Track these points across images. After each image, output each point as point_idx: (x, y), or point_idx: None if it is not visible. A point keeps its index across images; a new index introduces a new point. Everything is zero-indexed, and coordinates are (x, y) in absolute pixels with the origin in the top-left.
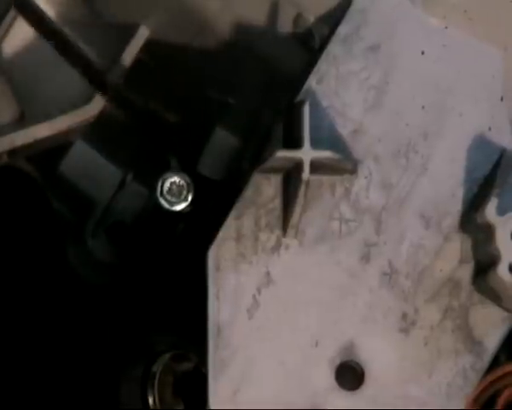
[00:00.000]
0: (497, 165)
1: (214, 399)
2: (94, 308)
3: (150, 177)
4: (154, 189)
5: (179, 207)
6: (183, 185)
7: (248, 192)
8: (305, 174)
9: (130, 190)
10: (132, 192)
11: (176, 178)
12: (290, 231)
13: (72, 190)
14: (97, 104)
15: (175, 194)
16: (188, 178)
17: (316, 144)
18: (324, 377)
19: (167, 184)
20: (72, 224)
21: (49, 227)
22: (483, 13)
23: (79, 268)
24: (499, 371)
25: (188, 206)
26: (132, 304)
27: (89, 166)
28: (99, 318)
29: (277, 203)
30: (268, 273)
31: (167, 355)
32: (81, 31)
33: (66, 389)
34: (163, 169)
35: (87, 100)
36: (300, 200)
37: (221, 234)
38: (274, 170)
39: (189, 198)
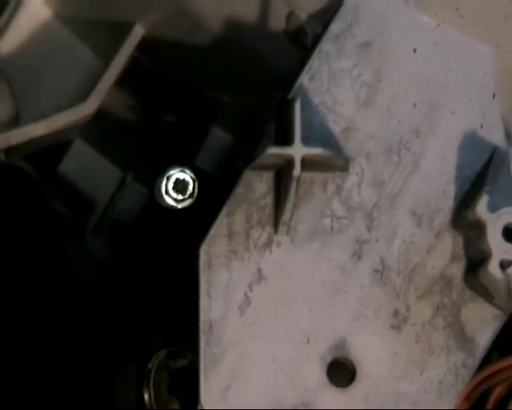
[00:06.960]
0: (488, 162)
1: (205, 396)
2: (91, 306)
3: (150, 176)
4: (158, 187)
5: (184, 204)
6: (188, 182)
7: (240, 189)
8: (296, 171)
9: (130, 189)
10: (132, 192)
11: (180, 175)
12: (282, 228)
13: (73, 189)
14: (93, 103)
15: (180, 191)
16: (192, 174)
17: (307, 141)
18: (316, 373)
19: (172, 182)
20: (72, 223)
21: (47, 225)
22: (475, 10)
23: (79, 267)
24: (491, 369)
25: (191, 203)
26: (128, 301)
27: (89, 165)
28: (95, 315)
29: (269, 200)
30: (259, 270)
31: (163, 352)
32: (76, 29)
33: (62, 385)
34: (163, 168)
35: (83, 98)
36: (291, 197)
37: (212, 231)
38: (265, 167)
39: (195, 195)
